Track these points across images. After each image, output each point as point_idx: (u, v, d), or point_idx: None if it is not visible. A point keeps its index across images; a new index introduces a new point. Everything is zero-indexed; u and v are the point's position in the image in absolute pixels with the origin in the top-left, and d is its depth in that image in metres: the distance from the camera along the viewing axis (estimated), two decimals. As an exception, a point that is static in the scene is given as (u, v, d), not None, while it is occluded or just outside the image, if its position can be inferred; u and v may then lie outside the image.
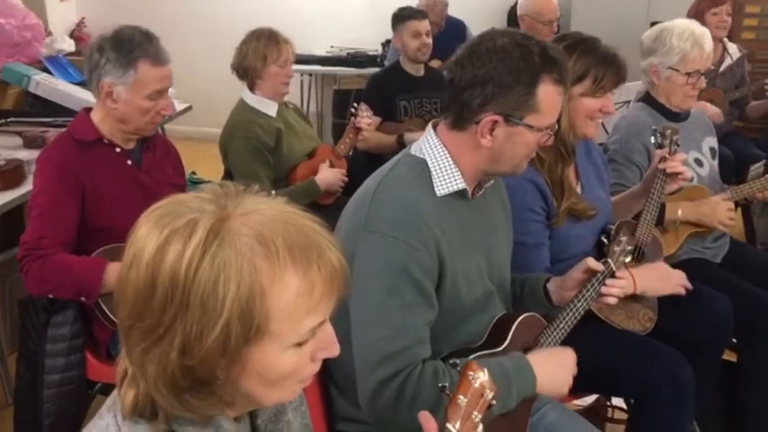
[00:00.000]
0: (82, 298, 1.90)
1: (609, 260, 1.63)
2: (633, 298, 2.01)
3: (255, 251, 0.80)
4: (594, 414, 2.30)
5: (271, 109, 2.84)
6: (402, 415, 1.38)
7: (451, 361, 1.12)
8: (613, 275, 1.63)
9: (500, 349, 1.53)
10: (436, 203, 1.47)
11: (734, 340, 2.50)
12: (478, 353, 1.51)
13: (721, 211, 2.34)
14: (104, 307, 1.91)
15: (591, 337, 1.91)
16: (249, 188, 0.88)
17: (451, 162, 1.49)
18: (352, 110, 3.04)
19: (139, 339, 0.82)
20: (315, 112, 5.69)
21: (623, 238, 1.66)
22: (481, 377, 1.04)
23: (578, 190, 2.03)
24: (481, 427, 1.03)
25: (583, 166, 2.08)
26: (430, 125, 1.56)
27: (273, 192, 2.40)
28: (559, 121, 1.85)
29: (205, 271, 0.78)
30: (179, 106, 3.89)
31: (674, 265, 2.35)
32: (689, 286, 1.84)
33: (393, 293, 1.39)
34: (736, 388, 2.37)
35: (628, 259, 1.66)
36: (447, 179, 1.48)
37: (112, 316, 1.89)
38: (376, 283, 1.40)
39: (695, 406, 2.15)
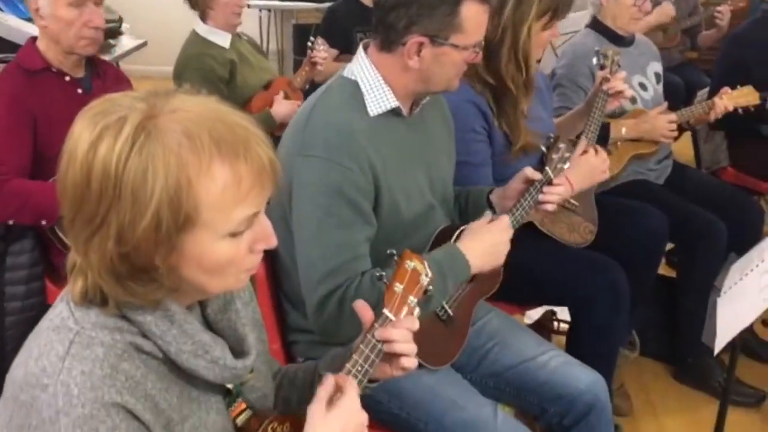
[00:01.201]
0: (43, 222, 1.93)
1: (547, 168, 1.67)
2: (574, 212, 2.11)
3: (182, 145, 0.84)
4: (541, 327, 2.41)
5: (224, 40, 2.82)
6: (344, 326, 1.44)
7: (388, 252, 1.17)
8: (550, 183, 1.67)
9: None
10: (370, 123, 1.50)
11: (675, 259, 2.64)
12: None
13: (661, 124, 2.42)
14: (60, 234, 1.95)
15: (533, 251, 2.01)
16: (181, 88, 0.92)
17: (382, 82, 1.51)
18: (309, 44, 3.04)
19: (81, 230, 0.87)
20: (275, 50, 5.63)
21: (562, 146, 1.69)
22: (416, 265, 1.10)
23: (521, 111, 2.09)
24: (417, 310, 1.10)
25: (526, 88, 2.13)
26: (360, 47, 1.57)
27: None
28: (526, 65, 1.90)
29: (134, 163, 0.83)
30: (133, 43, 3.84)
31: (617, 187, 2.47)
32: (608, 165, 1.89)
33: (329, 213, 1.44)
34: (676, 303, 2.51)
35: (566, 166, 1.70)
36: (379, 99, 1.51)
37: (68, 242, 1.93)
38: (312, 205, 1.45)
39: (633, 317, 2.29)
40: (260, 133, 0.92)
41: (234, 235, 0.90)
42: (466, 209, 1.78)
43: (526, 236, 2.02)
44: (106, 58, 3.20)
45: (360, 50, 1.56)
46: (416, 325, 1.10)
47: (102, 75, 2.15)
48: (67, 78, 2.05)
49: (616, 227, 2.14)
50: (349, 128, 1.47)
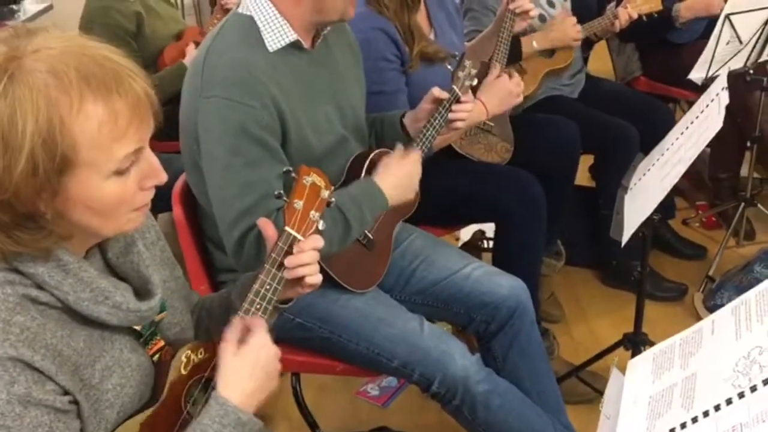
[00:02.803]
0: None
1: (454, 86, 1.67)
2: (490, 132, 2.16)
3: (49, 85, 0.83)
4: (472, 247, 2.49)
5: (127, -8, 2.74)
6: None
7: (284, 170, 1.17)
8: (458, 101, 1.68)
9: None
10: (270, 59, 1.48)
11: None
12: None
13: (568, 29, 2.42)
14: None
15: (454, 173, 2.07)
16: (43, 27, 0.89)
17: (278, 15, 1.49)
18: (218, -11, 2.97)
19: None
20: (191, 3, 5.47)
21: (467, 63, 1.69)
22: (314, 179, 1.10)
23: (432, 36, 2.10)
24: (321, 223, 1.11)
25: (435, 13, 2.14)
26: None
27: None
28: None
29: (0, 108, 0.82)
30: (37, 6, 3.70)
31: (533, 105, 2.52)
32: (521, 90, 1.93)
33: (236, 153, 1.43)
34: (597, 211, 2.61)
35: (474, 82, 1.71)
36: (276, 33, 1.49)
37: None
38: (219, 147, 1.44)
39: (557, 228, 2.38)
40: (133, 65, 0.90)
41: (119, 173, 0.89)
42: (383, 135, 1.80)
43: (445, 160, 2.08)
44: (9, 23, 3.08)
45: None
46: (321, 243, 1.12)
47: None
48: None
49: (530, 142, 2.20)
50: (247, 65, 1.45)
